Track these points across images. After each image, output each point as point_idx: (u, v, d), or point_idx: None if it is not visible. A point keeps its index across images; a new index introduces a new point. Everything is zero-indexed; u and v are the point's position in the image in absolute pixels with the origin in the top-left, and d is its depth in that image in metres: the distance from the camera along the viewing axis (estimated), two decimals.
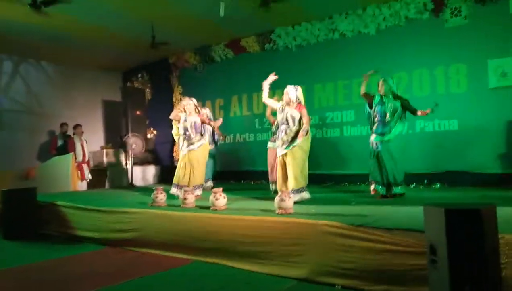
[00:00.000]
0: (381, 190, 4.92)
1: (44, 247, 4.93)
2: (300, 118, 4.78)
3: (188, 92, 9.79)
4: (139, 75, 10.77)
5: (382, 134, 4.94)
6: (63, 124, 8.98)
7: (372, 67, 7.04)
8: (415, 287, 2.55)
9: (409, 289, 2.59)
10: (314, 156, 7.40)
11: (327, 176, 7.49)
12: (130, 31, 7.94)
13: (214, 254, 3.73)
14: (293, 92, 4.90)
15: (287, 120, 4.78)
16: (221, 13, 6.41)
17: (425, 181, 6.42)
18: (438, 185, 6.26)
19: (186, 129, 5.64)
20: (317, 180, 7.42)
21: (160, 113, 10.14)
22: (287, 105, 4.86)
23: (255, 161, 8.33)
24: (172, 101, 10.08)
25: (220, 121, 6.29)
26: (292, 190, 4.56)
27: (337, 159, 7.42)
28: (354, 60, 7.30)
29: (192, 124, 5.62)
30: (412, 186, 6.31)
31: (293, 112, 4.79)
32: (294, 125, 4.76)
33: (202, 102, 9.39)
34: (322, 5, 7.00)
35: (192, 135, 5.60)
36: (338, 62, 7.52)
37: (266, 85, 5.10)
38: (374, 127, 5.07)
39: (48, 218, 5.47)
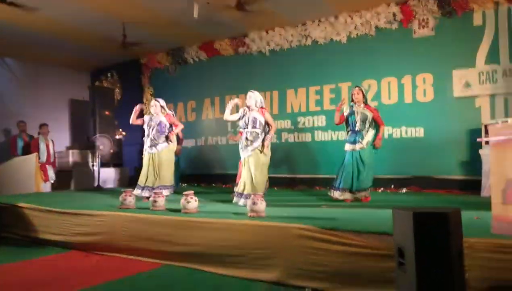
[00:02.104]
0: (349, 196, 5.04)
1: (4, 250, 4.70)
2: (265, 122, 4.89)
3: (159, 93, 9.66)
4: (109, 75, 10.53)
5: (353, 143, 5.07)
6: (20, 123, 8.52)
7: (343, 74, 7.27)
8: (384, 289, 2.60)
9: None
10: (286, 160, 7.54)
11: (298, 179, 7.58)
12: (100, 29, 7.76)
13: (184, 258, 3.67)
14: (256, 96, 4.97)
15: (253, 122, 4.84)
16: (195, 14, 6.37)
17: (392, 185, 6.61)
18: (404, 189, 6.45)
19: (150, 128, 5.55)
20: (288, 183, 7.53)
21: (129, 114, 9.90)
22: (249, 110, 4.92)
23: (227, 164, 8.31)
24: (143, 102, 9.89)
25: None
26: (248, 193, 4.61)
27: (309, 163, 7.52)
28: (326, 66, 7.45)
29: (156, 125, 5.53)
30: (379, 190, 6.48)
31: (256, 115, 4.87)
32: (258, 127, 4.83)
33: (173, 103, 9.31)
34: (295, 12, 7.10)
35: (156, 137, 5.53)
36: (310, 68, 7.64)
37: (229, 106, 5.05)
38: (347, 137, 5.23)
39: (9, 221, 5.22)
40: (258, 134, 4.82)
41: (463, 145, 6.18)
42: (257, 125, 4.83)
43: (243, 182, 4.85)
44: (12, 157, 8.00)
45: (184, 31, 8.01)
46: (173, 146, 5.72)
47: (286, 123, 7.87)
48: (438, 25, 6.46)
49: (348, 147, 5.16)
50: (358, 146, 5.07)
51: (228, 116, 5.11)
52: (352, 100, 5.26)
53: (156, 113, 5.62)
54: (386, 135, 6.78)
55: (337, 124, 5.36)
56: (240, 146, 4.96)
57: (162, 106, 5.72)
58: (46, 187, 7.96)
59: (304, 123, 7.71)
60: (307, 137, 7.66)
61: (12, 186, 6.91)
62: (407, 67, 6.70)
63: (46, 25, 7.40)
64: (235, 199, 4.88)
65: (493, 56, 6.01)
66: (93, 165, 8.97)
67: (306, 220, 3.43)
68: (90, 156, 9.08)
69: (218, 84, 8.76)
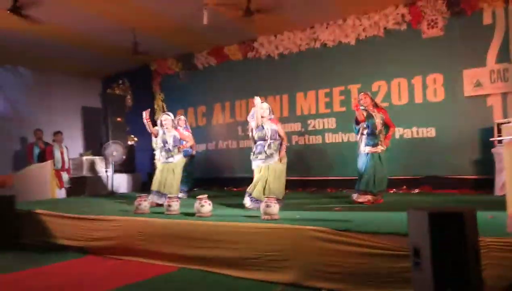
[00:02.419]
0: (371, 198, 5.06)
1: (23, 256, 4.78)
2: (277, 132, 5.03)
3: (170, 99, 9.80)
4: (120, 82, 10.67)
5: (374, 145, 5.09)
6: (37, 131, 8.72)
7: (352, 76, 7.29)
8: (400, 289, 2.61)
9: None
10: (297, 162, 7.55)
11: (310, 181, 7.59)
12: (111, 37, 7.89)
13: (200, 261, 3.72)
14: (267, 106, 5.09)
15: (270, 135, 4.95)
16: (205, 21, 6.45)
17: (404, 186, 6.60)
18: (417, 190, 6.43)
19: (165, 142, 5.78)
20: (300, 185, 7.54)
21: (141, 120, 10.00)
22: (264, 121, 5.02)
23: (238, 168, 8.36)
24: (154, 108, 10.01)
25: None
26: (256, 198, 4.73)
27: (320, 165, 7.53)
28: (335, 69, 7.47)
29: (170, 139, 5.78)
30: (392, 191, 6.47)
31: (272, 126, 5.00)
32: (277, 139, 4.98)
33: (184, 109, 9.41)
34: (304, 15, 7.15)
35: (171, 149, 5.76)
36: (319, 71, 7.67)
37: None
38: (364, 140, 5.18)
39: (27, 227, 5.32)
40: (277, 145, 4.96)
41: (475, 144, 6.14)
42: (276, 137, 4.98)
43: (254, 185, 4.91)
44: (28, 164, 8.16)
45: (194, 37, 8.11)
46: (183, 159, 5.98)
47: (296, 126, 7.90)
48: (447, 25, 6.44)
49: (368, 149, 5.12)
50: (379, 148, 5.09)
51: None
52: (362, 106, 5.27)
53: (167, 127, 5.85)
54: (397, 136, 6.77)
55: (362, 121, 5.23)
56: (255, 156, 5.02)
57: (172, 120, 6.00)
58: (61, 193, 8.09)
59: (314, 125, 7.73)
60: (318, 139, 7.67)
61: (28, 193, 7.03)
62: (417, 67, 6.69)
63: (58, 34, 7.54)
64: (245, 200, 4.94)
65: (504, 55, 5.97)
66: (106, 171, 9.08)
67: (320, 222, 3.46)
68: (103, 162, 9.19)
69: (228, 89, 8.83)
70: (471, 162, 6.17)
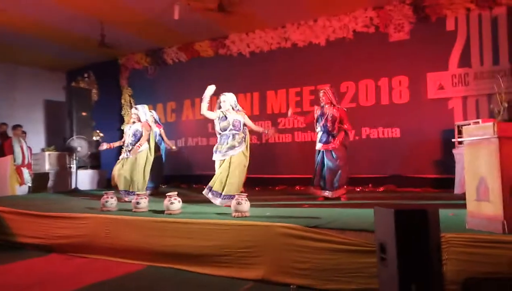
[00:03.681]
0: (330, 194, 5.17)
1: None
2: (243, 124, 5.00)
3: (138, 94, 9.60)
4: (85, 75, 10.34)
5: (326, 143, 5.21)
6: (1, 124, 8.36)
7: (322, 76, 7.41)
8: (367, 284, 2.70)
9: (361, 287, 2.74)
10: (267, 160, 7.60)
11: (279, 179, 7.67)
12: (77, 28, 7.62)
13: (169, 259, 3.68)
14: (233, 98, 5.09)
15: (233, 125, 4.90)
16: (176, 16, 6.37)
17: (370, 184, 6.79)
18: (382, 188, 6.64)
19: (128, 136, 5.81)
20: (269, 183, 7.60)
21: (107, 115, 9.80)
22: (228, 111, 4.99)
23: (207, 165, 8.28)
24: (121, 103, 9.79)
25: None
26: (228, 195, 4.67)
27: (289, 163, 7.61)
28: (305, 68, 7.57)
29: (132, 133, 5.78)
30: (358, 189, 6.65)
31: (237, 117, 4.96)
32: (240, 129, 4.92)
33: (153, 104, 9.23)
34: (275, 15, 7.19)
35: (132, 144, 5.72)
36: (290, 70, 7.74)
37: (206, 97, 5.10)
38: (318, 137, 5.35)
39: None
40: (244, 136, 4.91)
41: (437, 145, 6.41)
42: (240, 127, 4.92)
43: (219, 180, 4.78)
44: None
45: (164, 32, 7.98)
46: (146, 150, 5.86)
47: (267, 124, 7.94)
48: (413, 30, 6.68)
49: (320, 146, 5.28)
50: (331, 146, 5.20)
51: (205, 112, 5.07)
52: (321, 103, 5.42)
53: (134, 122, 5.87)
54: (364, 136, 6.97)
55: (309, 121, 5.51)
56: (218, 148, 4.93)
57: (137, 115, 5.95)
58: (22, 190, 7.75)
59: (284, 124, 7.80)
60: (287, 138, 7.76)
61: None
62: (384, 69, 6.90)
63: (21, 24, 7.22)
64: (205, 191, 4.84)
65: (465, 60, 6.27)
66: (70, 167, 8.79)
67: (289, 219, 3.51)
68: (67, 158, 8.89)
69: (198, 86, 8.69)
70: (433, 161, 6.44)
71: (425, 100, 6.56)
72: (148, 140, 5.84)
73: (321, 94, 5.40)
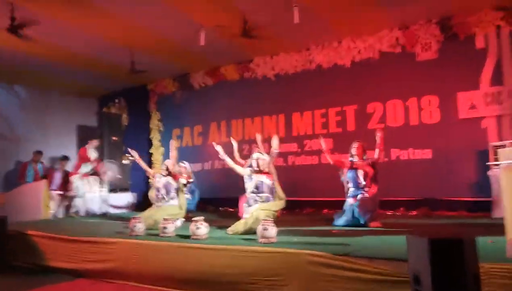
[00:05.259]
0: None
1: (13, 278, 4.67)
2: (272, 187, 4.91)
3: (166, 119, 9.81)
4: (116, 101, 10.67)
5: (355, 196, 5.06)
6: (37, 153, 8.69)
7: (348, 98, 7.33)
8: None
9: None
10: (293, 183, 7.48)
11: (306, 202, 7.54)
12: (107, 56, 7.92)
13: (195, 286, 3.64)
14: (264, 159, 5.03)
15: (257, 188, 4.86)
16: (201, 42, 6.51)
17: (402, 208, 6.57)
18: (414, 212, 6.40)
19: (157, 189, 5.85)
20: (296, 206, 7.47)
21: (137, 139, 10.01)
22: (256, 173, 4.96)
23: (234, 188, 8.28)
24: (149, 127, 10.01)
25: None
26: None
27: (316, 186, 7.48)
28: (330, 90, 7.52)
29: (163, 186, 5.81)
30: (389, 212, 6.43)
31: (265, 180, 4.90)
32: (267, 193, 4.85)
33: (180, 128, 9.43)
34: (299, 37, 7.23)
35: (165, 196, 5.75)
36: (315, 91, 7.72)
37: (222, 156, 5.25)
38: (350, 192, 5.18)
39: (18, 249, 5.21)
40: (267, 197, 4.84)
41: (471, 166, 6.16)
42: (268, 191, 4.87)
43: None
44: (19, 184, 8.06)
45: (190, 58, 8.17)
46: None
47: (293, 147, 7.90)
48: (441, 48, 6.54)
49: (352, 201, 5.09)
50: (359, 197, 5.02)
51: (233, 165, 5.22)
52: (351, 154, 5.28)
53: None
54: (393, 157, 6.79)
55: (342, 167, 5.37)
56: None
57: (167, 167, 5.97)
58: (56, 214, 7.97)
59: (310, 146, 7.73)
60: (314, 160, 7.66)
61: (21, 213, 6.91)
62: (412, 89, 6.75)
63: (54, 54, 7.56)
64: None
65: (497, 78, 6.06)
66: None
67: (317, 246, 3.41)
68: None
69: (224, 109, 8.85)
70: (467, 183, 6.17)
71: (457, 120, 6.35)
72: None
73: (354, 146, 5.26)
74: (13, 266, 5.12)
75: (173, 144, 6.20)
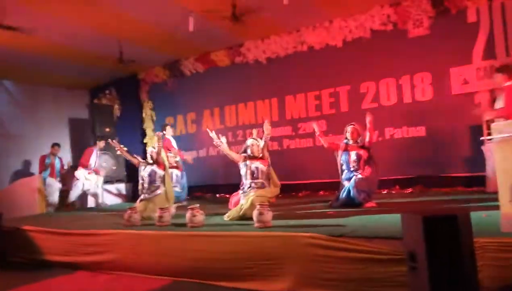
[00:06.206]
0: None
1: (11, 274, 4.67)
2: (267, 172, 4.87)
3: (158, 107, 9.72)
4: (107, 92, 10.54)
5: (349, 179, 5.07)
6: (55, 145, 8.63)
7: (341, 78, 7.28)
8: None
9: None
10: (288, 166, 7.50)
11: (301, 185, 7.55)
12: (96, 47, 7.77)
13: (193, 273, 3.64)
14: (258, 145, 4.97)
15: (252, 174, 4.82)
16: (190, 28, 6.40)
17: (397, 186, 6.59)
18: (409, 190, 6.43)
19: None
20: (291, 189, 7.49)
21: (130, 129, 9.94)
22: (250, 159, 4.91)
23: (229, 174, 8.27)
24: (142, 117, 9.93)
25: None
26: None
27: (311, 169, 7.49)
28: (323, 71, 7.45)
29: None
30: (384, 191, 6.46)
31: (260, 166, 4.86)
32: (262, 179, 4.82)
33: (173, 116, 9.34)
34: (289, 19, 7.12)
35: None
36: (308, 73, 7.64)
37: (217, 143, 5.24)
38: (343, 175, 5.20)
39: (15, 244, 5.19)
40: (262, 183, 4.81)
41: (465, 142, 6.16)
42: (261, 176, 4.83)
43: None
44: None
45: (180, 44, 8.04)
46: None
47: (287, 130, 7.87)
48: (432, 24, 6.47)
49: (346, 183, 5.12)
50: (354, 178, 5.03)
51: (228, 151, 5.24)
52: (346, 137, 5.26)
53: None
54: (387, 136, 6.79)
55: (334, 149, 5.40)
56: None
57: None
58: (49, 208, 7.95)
59: (304, 129, 7.70)
60: (309, 142, 7.65)
61: (16, 209, 6.88)
62: (405, 67, 6.70)
63: (42, 47, 7.42)
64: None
65: (489, 52, 6.01)
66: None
67: (314, 228, 3.42)
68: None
69: (216, 95, 8.77)
70: (462, 159, 6.19)
71: (450, 96, 6.33)
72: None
73: (349, 130, 5.24)
74: (11, 261, 5.11)
75: (159, 135, 5.88)
